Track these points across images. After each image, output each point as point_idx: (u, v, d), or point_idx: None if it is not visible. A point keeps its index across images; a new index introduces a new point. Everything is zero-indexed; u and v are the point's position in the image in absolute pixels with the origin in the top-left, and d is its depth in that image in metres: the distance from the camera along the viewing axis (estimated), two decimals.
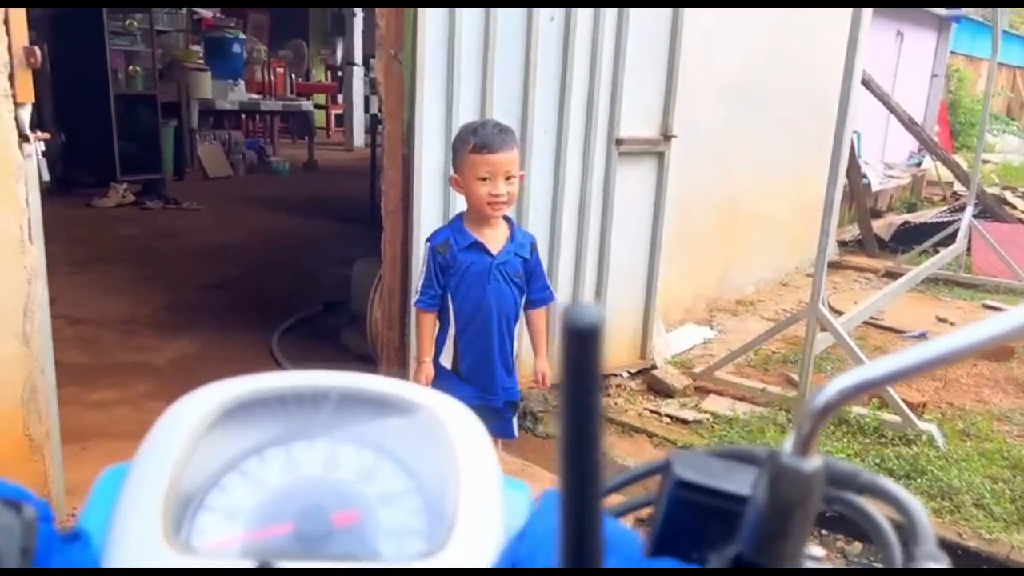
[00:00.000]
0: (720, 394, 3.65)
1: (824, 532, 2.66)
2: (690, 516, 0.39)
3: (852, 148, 6.66)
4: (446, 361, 2.20)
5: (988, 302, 5.53)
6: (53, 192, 7.36)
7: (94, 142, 7.39)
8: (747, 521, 0.35)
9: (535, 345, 2.26)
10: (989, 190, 7.59)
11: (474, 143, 2.03)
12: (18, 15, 1.85)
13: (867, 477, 0.38)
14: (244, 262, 5.48)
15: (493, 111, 2.87)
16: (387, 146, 2.90)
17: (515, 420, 2.35)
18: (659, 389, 3.63)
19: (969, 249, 6.16)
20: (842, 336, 3.40)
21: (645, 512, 0.45)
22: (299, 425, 0.42)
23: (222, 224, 6.66)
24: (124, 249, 5.61)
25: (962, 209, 6.77)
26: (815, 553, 0.38)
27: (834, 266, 6.54)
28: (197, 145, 8.82)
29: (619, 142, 3.17)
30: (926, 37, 9.61)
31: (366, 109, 12.08)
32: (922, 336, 4.62)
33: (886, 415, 3.31)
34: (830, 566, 0.39)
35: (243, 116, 10.24)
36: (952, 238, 6.09)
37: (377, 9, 2.82)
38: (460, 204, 2.86)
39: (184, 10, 9.33)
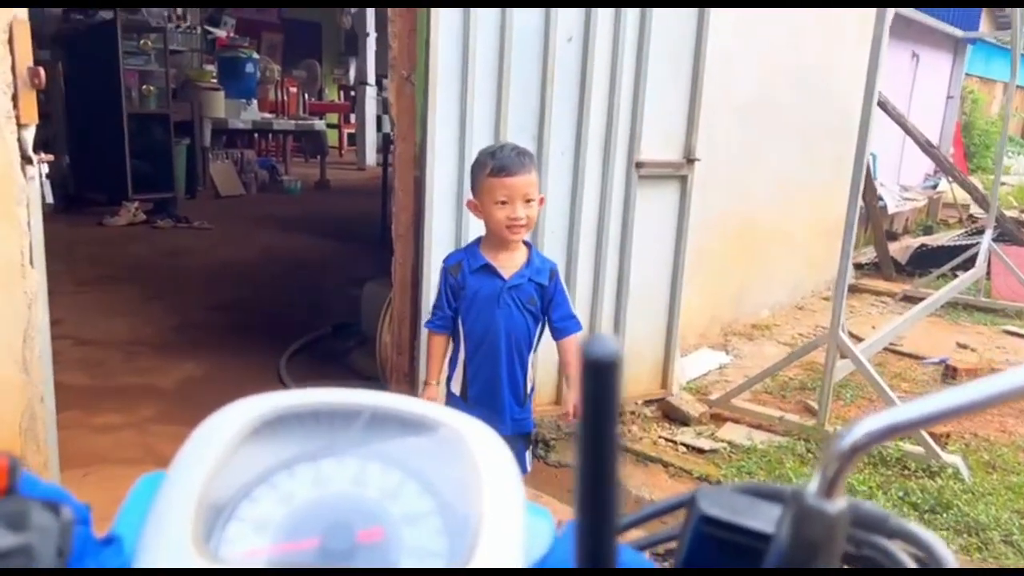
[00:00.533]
0: (737, 422, 3.55)
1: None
2: (713, 552, 0.39)
3: (868, 170, 6.58)
4: (456, 386, 2.14)
5: (1009, 327, 5.42)
6: (65, 211, 7.40)
7: (106, 161, 7.40)
8: (770, 559, 0.35)
9: (566, 376, 2.19)
10: (1007, 213, 7.49)
11: (492, 166, 1.98)
12: (23, 34, 1.81)
13: (896, 522, 0.38)
14: (253, 282, 5.44)
15: (508, 132, 2.81)
16: (398, 168, 2.85)
17: (528, 454, 2.27)
18: (674, 416, 3.54)
19: (988, 273, 6.05)
20: (863, 364, 3.31)
21: (662, 547, 0.46)
22: (329, 441, 0.43)
23: (232, 243, 6.64)
24: (133, 268, 5.58)
25: (980, 232, 6.67)
26: None
27: (850, 289, 6.43)
28: (209, 164, 8.83)
29: (639, 165, 3.10)
30: (942, 59, 9.55)
31: (378, 128, 12.12)
32: (942, 363, 4.52)
33: (909, 446, 3.21)
34: None
35: (256, 135, 10.27)
36: (971, 262, 5.99)
37: (390, 30, 2.78)
38: (474, 227, 2.82)
39: (198, 30, 9.38)
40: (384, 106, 12.42)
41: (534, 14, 2.81)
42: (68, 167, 7.71)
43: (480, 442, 0.45)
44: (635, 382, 3.44)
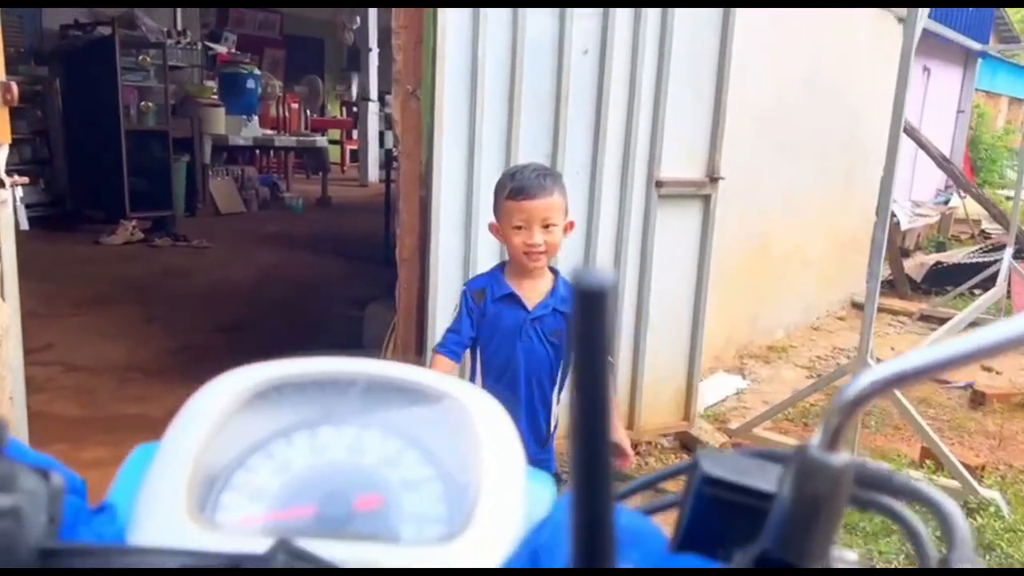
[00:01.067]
0: None
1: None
2: (716, 513, 0.39)
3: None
4: None
5: None
6: (62, 229, 7.26)
7: (104, 178, 7.27)
8: (773, 517, 0.34)
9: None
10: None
11: (510, 188, 1.83)
12: None
13: (901, 479, 0.37)
14: (253, 303, 5.28)
15: (519, 151, 2.66)
16: (403, 188, 2.70)
17: None
18: (693, 447, 3.36)
19: (1009, 292, 5.88)
20: (895, 394, 3.14)
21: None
22: (327, 410, 0.43)
23: (232, 262, 6.48)
24: (129, 289, 5.42)
25: (997, 249, 6.51)
26: (848, 556, 0.36)
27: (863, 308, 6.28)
28: (209, 181, 8.69)
29: (659, 184, 2.94)
30: (952, 73, 9.42)
31: (381, 144, 12.01)
32: (968, 387, 4.34)
33: (943, 479, 3.03)
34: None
35: (257, 152, 10.14)
36: (989, 280, 5.82)
37: (394, 42, 2.63)
38: (483, 251, 2.67)
39: (199, 46, 9.26)
40: (387, 122, 12.32)
41: (548, 24, 2.66)
42: (65, 184, 7.58)
43: (480, 410, 0.44)
44: (655, 413, 3.26)
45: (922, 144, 6.44)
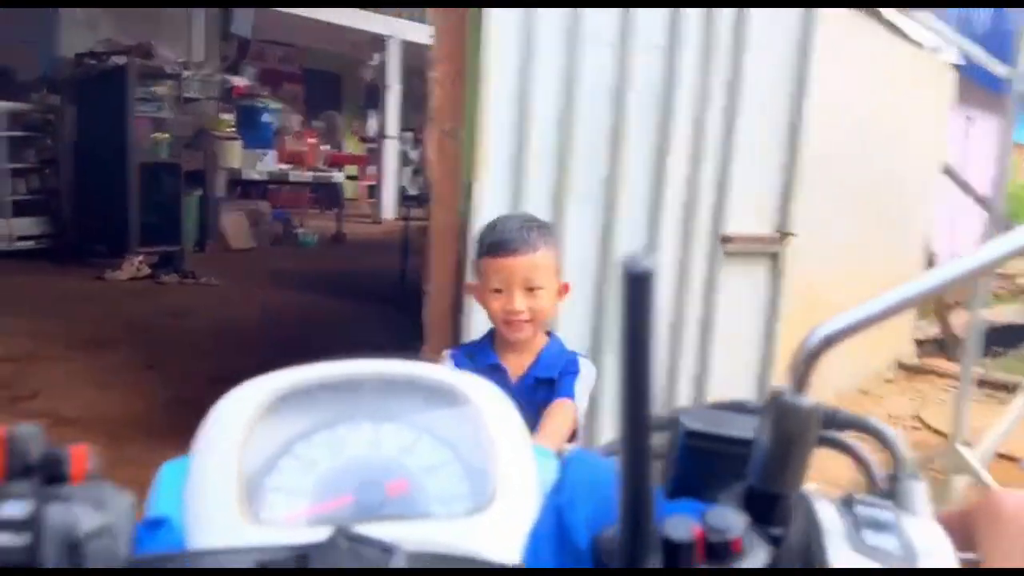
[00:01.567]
0: None
1: None
2: (700, 462, 0.42)
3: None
4: None
5: None
6: (66, 262, 6.97)
7: (111, 210, 7.00)
8: (755, 458, 0.37)
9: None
10: None
11: (487, 243, 1.52)
12: None
13: (846, 414, 0.44)
14: (260, 348, 4.92)
15: (570, 202, 2.33)
16: (435, 243, 2.35)
17: None
18: None
19: None
20: (988, 482, 2.75)
21: None
22: (342, 409, 0.45)
23: (239, 302, 6.15)
24: (130, 330, 5.08)
25: None
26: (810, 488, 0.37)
27: (914, 371, 5.88)
28: (221, 215, 8.41)
29: (725, 240, 2.60)
30: (994, 122, 9.12)
31: (398, 181, 11.80)
32: None
33: None
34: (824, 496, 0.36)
35: (271, 187, 9.89)
36: None
37: (432, 76, 2.31)
38: None
39: (217, 77, 9.06)
40: (404, 159, 12.10)
41: (605, 60, 2.34)
42: (70, 216, 7.31)
43: (483, 396, 0.46)
44: None
45: (976, 196, 6.09)
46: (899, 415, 4.73)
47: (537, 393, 1.57)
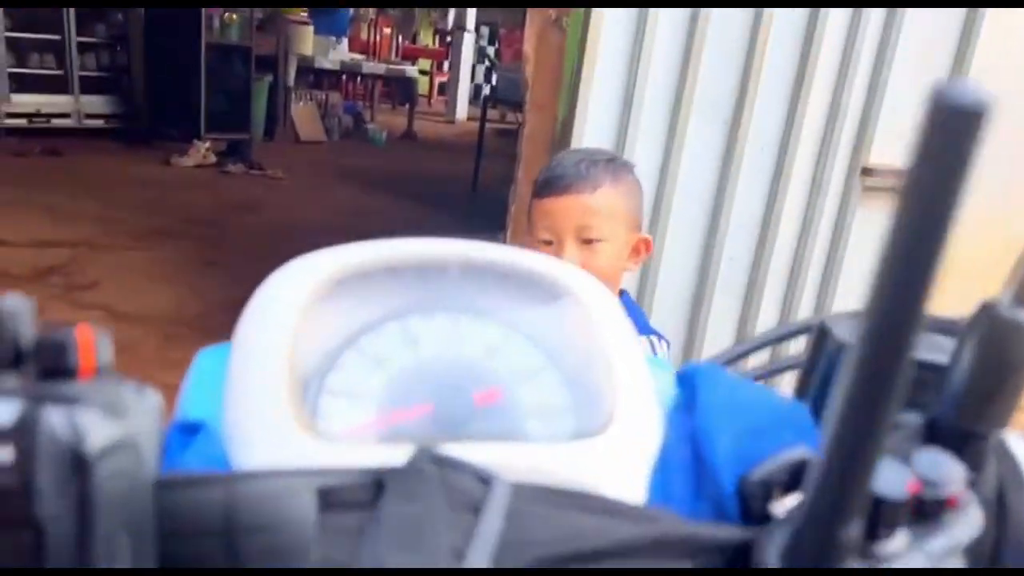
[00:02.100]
0: None
1: None
2: None
3: None
4: None
5: None
6: (136, 143, 6.82)
7: (181, 93, 6.79)
8: (951, 385, 0.29)
9: None
10: None
11: (539, 181, 1.19)
12: None
13: None
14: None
15: (692, 112, 1.94)
16: (527, 151, 2.01)
17: None
18: None
19: None
20: None
21: None
22: (413, 298, 0.37)
23: (306, 199, 5.93)
24: (191, 222, 4.91)
25: None
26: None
27: None
28: (291, 105, 8.13)
29: (867, 172, 2.18)
30: None
31: (472, 79, 11.31)
32: None
33: None
34: None
35: (343, 77, 9.54)
36: None
37: None
38: None
39: None
40: (481, 55, 11.55)
41: None
42: (142, 97, 7.12)
43: (591, 293, 0.39)
44: None
45: None
46: None
47: None
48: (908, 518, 0.25)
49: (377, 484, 0.27)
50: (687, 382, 0.36)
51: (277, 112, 7.89)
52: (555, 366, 0.35)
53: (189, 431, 0.32)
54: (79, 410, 0.23)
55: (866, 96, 2.13)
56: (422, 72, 10.96)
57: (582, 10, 1.84)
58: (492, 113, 8.30)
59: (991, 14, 2.18)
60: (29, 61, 6.57)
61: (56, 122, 6.62)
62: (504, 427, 0.33)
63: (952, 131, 0.18)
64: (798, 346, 0.40)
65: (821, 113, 2.11)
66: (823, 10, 1.99)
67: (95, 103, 6.97)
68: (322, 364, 0.35)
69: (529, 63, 1.98)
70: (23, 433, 0.22)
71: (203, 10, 6.62)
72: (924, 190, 0.19)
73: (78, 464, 0.22)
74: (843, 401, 0.22)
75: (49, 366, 0.24)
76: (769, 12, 1.95)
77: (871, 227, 2.23)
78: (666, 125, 1.94)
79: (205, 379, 0.36)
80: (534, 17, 1.93)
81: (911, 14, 2.09)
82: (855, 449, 0.22)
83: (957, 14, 2.15)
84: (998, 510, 0.29)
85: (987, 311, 0.29)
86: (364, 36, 10.11)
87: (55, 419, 0.22)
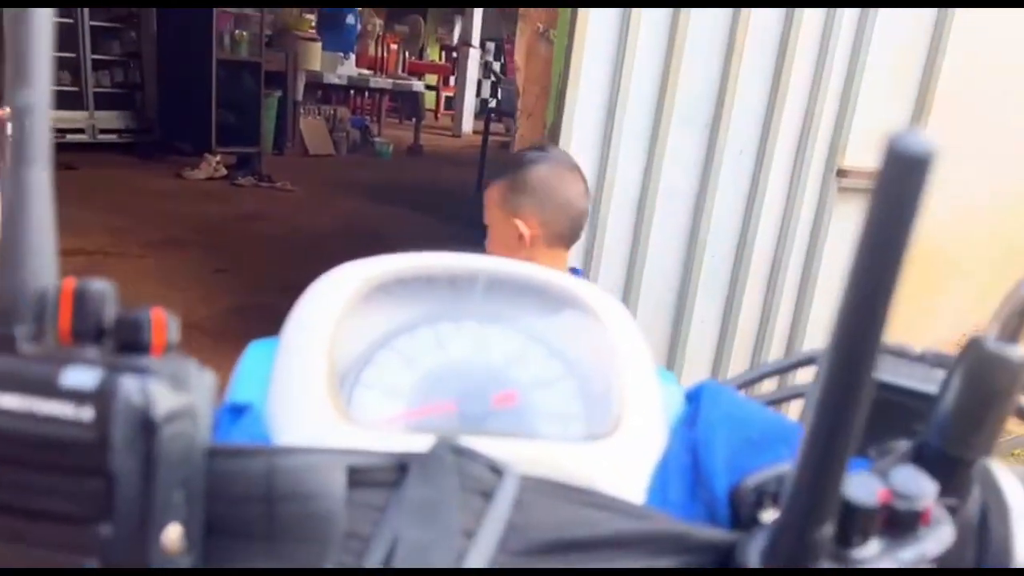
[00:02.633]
0: None
1: None
2: None
3: None
4: None
5: None
6: (149, 157, 6.99)
7: (193, 108, 6.95)
8: (939, 413, 0.32)
9: None
10: None
11: None
12: None
13: None
14: (332, 258, 4.79)
15: (673, 117, 2.05)
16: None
17: None
18: None
19: None
20: None
21: None
22: (446, 305, 0.41)
23: (315, 210, 6.07)
24: (203, 231, 5.05)
25: None
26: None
27: None
28: (300, 119, 8.30)
29: (842, 173, 2.29)
30: None
31: (478, 94, 11.46)
32: None
33: None
34: None
35: (351, 92, 9.70)
36: None
37: None
38: (610, 244, 2.10)
39: None
40: (486, 70, 11.72)
41: None
42: (155, 112, 7.30)
43: (604, 307, 0.42)
44: None
45: None
46: None
47: None
48: (881, 528, 0.27)
49: (400, 467, 0.30)
50: (694, 398, 0.39)
51: (286, 126, 8.05)
52: (571, 375, 0.39)
53: (237, 412, 0.36)
54: (150, 380, 0.26)
55: (840, 101, 2.25)
56: (429, 87, 11.14)
57: (568, 22, 1.96)
58: (497, 126, 8.44)
59: (959, 21, 2.29)
60: None
61: (71, 137, 6.79)
62: (519, 426, 0.36)
63: (903, 175, 0.21)
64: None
65: (797, 117, 2.22)
66: (797, 18, 2.11)
67: (109, 118, 7.14)
68: (359, 360, 0.38)
69: (520, 73, 2.10)
70: (102, 397, 0.25)
71: (214, 27, 6.79)
72: (882, 226, 0.21)
73: (146, 426, 0.26)
74: (813, 415, 0.24)
75: (127, 341, 0.27)
76: (745, 21, 2.06)
77: (847, 226, 2.34)
78: (648, 130, 2.05)
79: (253, 367, 0.40)
80: (523, 30, 2.06)
81: (883, 21, 2.20)
82: (825, 458, 0.24)
83: (927, 21, 2.26)
84: (980, 534, 0.31)
85: (975, 345, 0.31)
86: (371, 52, 10.27)
87: (130, 386, 0.26)
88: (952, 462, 0.31)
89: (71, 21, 6.68)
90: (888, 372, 0.38)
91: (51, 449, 0.25)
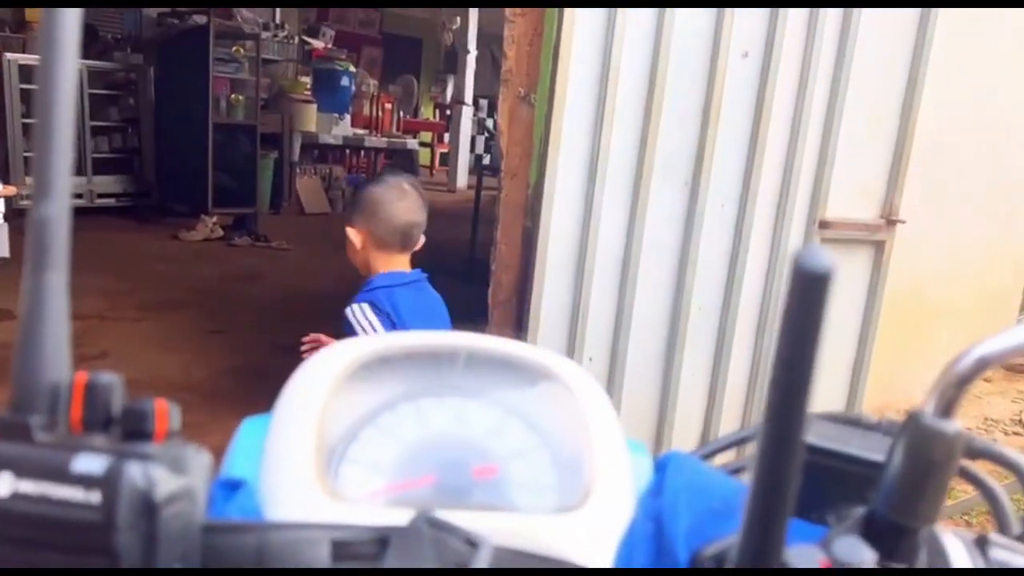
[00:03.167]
0: None
1: None
2: (812, 479, 0.34)
3: None
4: None
5: None
6: (146, 220, 7.07)
7: (190, 170, 7.05)
8: (884, 483, 0.33)
9: None
10: None
11: None
12: None
13: (980, 442, 0.39)
14: (327, 317, 4.86)
15: (653, 175, 2.11)
16: (504, 215, 2.18)
17: None
18: None
19: None
20: None
21: None
22: (427, 382, 0.43)
23: (310, 268, 6.11)
24: (198, 292, 5.09)
25: None
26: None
27: (1015, 369, 5.45)
28: (296, 179, 8.41)
29: (824, 225, 2.34)
30: None
31: (472, 149, 11.64)
32: None
33: None
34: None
35: (346, 151, 9.86)
36: None
37: (506, 34, 2.12)
38: (597, 296, 2.13)
39: (295, 40, 9.03)
40: (480, 127, 11.93)
41: (701, 22, 2.10)
42: (153, 175, 7.40)
43: (576, 380, 0.44)
44: None
45: None
46: (999, 418, 4.36)
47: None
48: None
49: (382, 540, 0.31)
50: (661, 468, 0.40)
51: (282, 186, 8.15)
52: (545, 446, 0.41)
53: (232, 487, 0.38)
54: (152, 465, 0.28)
55: (819, 153, 2.31)
56: (423, 144, 11.31)
57: (547, 88, 2.02)
58: (491, 180, 8.55)
59: (932, 75, 2.37)
60: None
61: None
62: (497, 499, 0.38)
63: (809, 286, 0.24)
64: None
65: (777, 171, 2.28)
66: (774, 72, 2.18)
67: (107, 183, 7.24)
68: (345, 436, 0.40)
69: (504, 136, 2.16)
70: (109, 482, 0.28)
71: (210, 91, 6.93)
72: (797, 324, 0.24)
73: (149, 507, 0.28)
74: (752, 490, 0.26)
75: (132, 429, 0.30)
76: (721, 79, 2.13)
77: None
78: (630, 188, 2.10)
79: (247, 444, 0.43)
80: (506, 95, 2.12)
81: (858, 74, 2.27)
82: (764, 529, 0.26)
83: (902, 73, 2.34)
84: None
85: (913, 420, 0.33)
86: (366, 111, 10.47)
87: (134, 472, 0.28)
88: (899, 529, 0.32)
89: None
90: (842, 442, 0.39)
91: (62, 530, 0.27)
